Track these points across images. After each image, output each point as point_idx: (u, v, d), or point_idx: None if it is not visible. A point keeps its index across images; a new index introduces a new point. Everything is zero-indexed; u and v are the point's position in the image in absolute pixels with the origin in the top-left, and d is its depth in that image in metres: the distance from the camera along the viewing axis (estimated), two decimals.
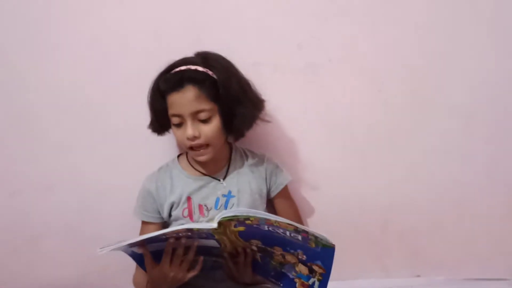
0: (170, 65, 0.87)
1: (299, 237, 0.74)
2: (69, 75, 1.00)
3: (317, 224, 1.10)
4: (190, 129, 0.84)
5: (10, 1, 0.96)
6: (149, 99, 0.89)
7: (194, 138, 0.84)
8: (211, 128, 0.85)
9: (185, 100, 0.83)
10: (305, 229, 0.72)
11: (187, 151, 0.92)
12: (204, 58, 0.87)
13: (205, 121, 0.85)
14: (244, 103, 0.87)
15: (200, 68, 0.84)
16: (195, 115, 0.84)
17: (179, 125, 0.86)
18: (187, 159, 0.97)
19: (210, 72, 0.84)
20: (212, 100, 0.84)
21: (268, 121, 0.97)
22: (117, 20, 0.98)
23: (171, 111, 0.85)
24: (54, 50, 0.99)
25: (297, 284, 0.82)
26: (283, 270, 0.84)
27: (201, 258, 0.82)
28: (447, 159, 1.10)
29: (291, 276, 0.83)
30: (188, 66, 0.84)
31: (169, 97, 0.85)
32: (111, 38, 0.99)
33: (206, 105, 0.84)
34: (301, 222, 1.05)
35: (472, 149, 1.10)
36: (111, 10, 0.98)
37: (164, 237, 0.77)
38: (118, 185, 1.04)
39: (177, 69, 0.84)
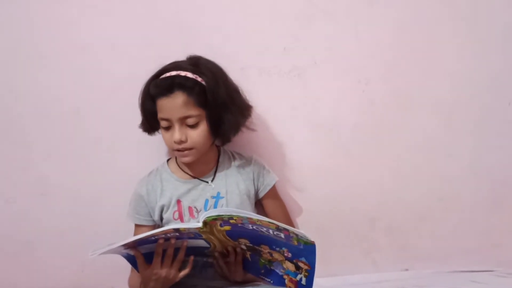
0: (161, 69, 0.88)
1: (282, 235, 0.76)
2: (60, 82, 1.01)
3: (306, 223, 1.11)
4: (177, 134, 0.86)
5: None
6: (140, 101, 0.91)
7: (181, 142, 0.86)
8: (198, 133, 0.87)
9: (173, 105, 0.84)
10: (286, 227, 0.73)
11: (174, 153, 0.93)
12: (195, 64, 0.88)
13: (192, 126, 0.87)
14: (231, 109, 0.89)
15: (189, 75, 0.85)
16: (183, 120, 0.86)
17: (167, 128, 0.88)
18: (176, 163, 0.98)
19: (199, 79, 0.86)
20: (200, 106, 0.86)
21: (253, 130, 0.99)
22: (106, 26, 0.99)
23: (160, 115, 0.87)
24: (44, 58, 0.99)
25: (286, 281, 0.84)
26: (272, 268, 0.85)
27: (192, 257, 0.83)
28: (432, 155, 1.11)
29: (280, 273, 0.85)
30: (178, 72, 0.85)
31: (158, 101, 0.86)
32: (101, 45, 0.99)
33: (194, 111, 0.86)
34: (290, 221, 1.06)
35: (455, 145, 1.11)
36: (100, 17, 0.98)
37: (153, 238, 0.78)
38: (111, 190, 1.05)
39: (167, 75, 0.86)
